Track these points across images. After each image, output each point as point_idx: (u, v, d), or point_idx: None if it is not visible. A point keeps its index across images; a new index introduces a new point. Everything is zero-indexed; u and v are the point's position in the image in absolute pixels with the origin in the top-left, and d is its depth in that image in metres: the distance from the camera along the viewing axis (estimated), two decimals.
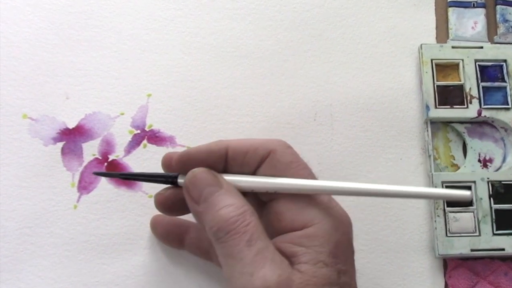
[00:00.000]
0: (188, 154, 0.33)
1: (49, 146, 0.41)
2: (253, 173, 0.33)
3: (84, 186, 0.40)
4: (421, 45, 0.45)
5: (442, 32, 0.47)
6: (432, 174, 0.42)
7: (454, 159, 0.44)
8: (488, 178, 0.42)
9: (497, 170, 0.43)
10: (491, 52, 0.45)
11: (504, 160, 0.44)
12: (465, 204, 0.42)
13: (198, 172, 0.32)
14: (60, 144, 0.41)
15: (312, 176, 0.32)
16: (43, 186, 0.40)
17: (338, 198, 0.33)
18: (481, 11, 0.47)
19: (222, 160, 0.33)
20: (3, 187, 0.40)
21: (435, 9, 0.47)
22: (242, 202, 0.31)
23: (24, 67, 0.42)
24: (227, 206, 0.30)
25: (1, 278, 0.38)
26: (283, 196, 0.32)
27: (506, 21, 0.47)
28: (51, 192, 0.40)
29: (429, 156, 0.43)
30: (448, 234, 0.41)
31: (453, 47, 0.45)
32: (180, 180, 0.33)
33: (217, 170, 0.33)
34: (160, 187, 0.35)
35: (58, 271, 0.39)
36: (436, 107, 0.43)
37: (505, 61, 0.45)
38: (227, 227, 0.29)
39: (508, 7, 0.47)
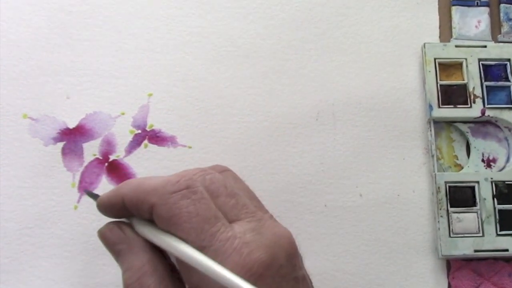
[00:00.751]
0: (101, 208, 0.33)
1: (49, 146, 0.41)
2: None
3: (84, 187, 0.40)
4: (424, 44, 0.45)
5: (446, 31, 0.46)
6: (435, 174, 0.42)
7: (458, 159, 0.44)
8: (491, 178, 0.42)
9: (500, 170, 0.43)
10: (495, 51, 0.45)
11: (508, 160, 0.44)
12: (469, 204, 0.42)
13: (103, 230, 0.32)
14: (60, 144, 0.41)
15: (196, 220, 0.29)
16: (43, 187, 0.40)
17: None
18: (485, 10, 0.46)
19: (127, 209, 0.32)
20: (3, 187, 0.40)
21: (438, 7, 0.47)
22: (142, 261, 0.30)
23: (24, 66, 0.42)
24: (127, 270, 0.30)
25: (1, 279, 0.38)
26: None
27: (510, 19, 0.47)
28: (52, 192, 0.40)
29: (432, 156, 0.43)
30: (452, 235, 0.41)
31: (456, 46, 0.45)
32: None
33: (129, 214, 0.32)
34: None
35: (59, 272, 0.39)
36: (439, 107, 0.43)
37: (509, 60, 0.45)
38: None
39: None
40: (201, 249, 0.28)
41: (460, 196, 0.42)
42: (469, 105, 0.43)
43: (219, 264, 0.27)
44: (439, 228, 0.41)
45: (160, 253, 0.31)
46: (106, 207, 0.32)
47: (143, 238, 0.31)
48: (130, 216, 0.32)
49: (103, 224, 0.33)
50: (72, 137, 0.41)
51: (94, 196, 0.34)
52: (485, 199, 0.42)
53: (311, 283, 0.32)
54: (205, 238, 0.28)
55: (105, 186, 0.40)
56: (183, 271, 0.30)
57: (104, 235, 0.32)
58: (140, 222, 0.31)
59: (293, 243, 0.30)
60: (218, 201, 0.30)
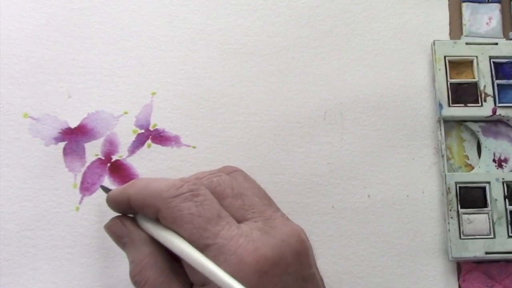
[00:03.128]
0: (110, 204, 0.35)
1: (50, 146, 0.40)
2: None
3: (86, 187, 0.40)
4: (434, 41, 0.44)
5: (456, 28, 0.46)
6: (445, 174, 0.42)
7: (468, 159, 0.43)
8: (503, 179, 0.42)
9: None
10: (507, 49, 0.44)
11: None
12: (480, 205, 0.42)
13: (108, 225, 0.35)
14: (62, 144, 0.41)
15: (198, 221, 0.30)
16: (44, 188, 0.40)
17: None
18: (496, 6, 0.46)
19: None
20: (3, 188, 0.39)
21: (449, 4, 0.46)
22: (143, 254, 0.32)
23: (24, 64, 0.42)
24: (131, 263, 0.32)
25: (1, 282, 0.38)
26: None
27: None
28: (53, 193, 0.40)
29: (442, 156, 0.42)
30: (462, 237, 0.41)
31: (467, 44, 0.44)
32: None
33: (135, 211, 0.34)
34: None
35: (60, 275, 0.39)
36: (449, 106, 0.43)
37: None
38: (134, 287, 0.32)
39: None
40: (206, 247, 0.29)
41: (471, 197, 0.42)
42: (480, 104, 0.43)
43: (219, 264, 0.28)
44: (449, 230, 0.41)
45: (161, 246, 0.32)
46: (113, 203, 0.35)
47: (144, 232, 0.33)
48: (135, 212, 0.34)
49: (105, 222, 0.35)
50: (74, 137, 0.41)
51: (107, 191, 0.36)
52: (496, 200, 0.41)
53: (323, 282, 0.32)
54: (209, 236, 0.29)
55: (107, 187, 0.40)
56: (188, 268, 0.31)
57: (109, 229, 0.35)
58: (144, 219, 0.33)
59: (302, 241, 0.31)
60: (224, 203, 0.32)
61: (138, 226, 0.34)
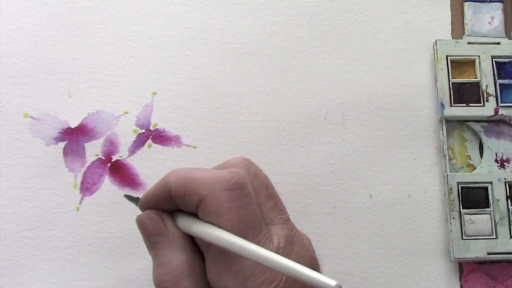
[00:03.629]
0: (145, 200, 0.32)
1: (50, 146, 0.40)
2: None
3: (87, 188, 0.40)
4: (435, 41, 0.44)
5: (458, 27, 0.46)
6: (447, 174, 0.42)
7: (470, 159, 0.43)
8: (505, 179, 0.42)
9: None
10: (509, 48, 0.44)
11: None
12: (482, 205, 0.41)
13: (143, 218, 0.31)
14: (62, 144, 0.41)
15: (243, 226, 0.28)
16: (45, 188, 0.40)
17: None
18: (498, 6, 0.46)
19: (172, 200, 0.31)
20: (3, 188, 0.39)
21: (451, 3, 0.46)
22: (180, 260, 0.29)
23: (25, 64, 0.42)
24: (162, 266, 0.29)
25: (1, 282, 0.38)
26: (213, 248, 0.29)
27: None
28: (53, 193, 0.40)
29: (444, 156, 0.42)
30: (464, 237, 0.41)
31: (469, 43, 0.44)
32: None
33: (173, 208, 0.31)
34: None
35: (60, 275, 0.38)
36: (451, 105, 0.43)
37: None
38: None
39: None
40: None
41: (473, 197, 0.42)
42: (482, 104, 0.43)
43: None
44: (451, 230, 0.41)
45: (198, 254, 0.30)
46: (151, 199, 0.31)
47: (184, 235, 0.30)
48: (173, 209, 0.31)
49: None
50: (74, 137, 0.41)
51: (135, 200, 0.34)
52: (498, 200, 0.41)
53: None
54: None
55: (107, 187, 0.40)
56: (212, 274, 0.29)
57: (143, 223, 0.31)
58: (183, 215, 0.30)
59: (314, 258, 0.30)
60: (258, 200, 0.30)
61: (177, 227, 0.31)
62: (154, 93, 0.42)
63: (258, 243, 0.28)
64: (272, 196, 0.31)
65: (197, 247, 0.30)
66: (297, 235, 0.30)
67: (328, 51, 0.44)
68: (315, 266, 0.30)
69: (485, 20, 0.45)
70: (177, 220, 0.31)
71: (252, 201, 0.29)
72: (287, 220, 0.31)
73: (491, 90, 0.43)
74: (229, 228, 0.28)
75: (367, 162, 0.42)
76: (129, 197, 0.35)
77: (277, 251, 0.28)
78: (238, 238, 0.27)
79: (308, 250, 0.30)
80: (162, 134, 0.41)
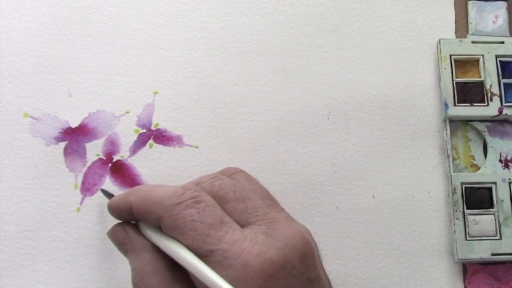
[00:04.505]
0: (111, 210, 0.35)
1: (51, 146, 0.40)
2: None
3: (87, 188, 0.40)
4: (439, 40, 0.44)
5: (462, 26, 0.46)
6: (451, 175, 0.41)
7: (474, 159, 0.43)
8: (509, 179, 0.42)
9: None
10: None
11: None
12: (486, 205, 0.41)
13: (110, 232, 0.35)
14: (62, 144, 0.40)
15: (201, 227, 0.30)
16: (45, 188, 0.39)
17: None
18: (503, 5, 0.45)
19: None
20: (3, 188, 0.39)
21: (454, 2, 0.46)
22: (144, 261, 0.32)
23: (25, 63, 0.41)
24: (132, 270, 0.32)
25: (1, 283, 0.38)
26: None
27: None
28: (53, 194, 0.39)
29: (448, 156, 0.42)
30: (468, 238, 0.40)
31: (473, 42, 0.44)
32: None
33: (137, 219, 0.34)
34: None
35: (60, 276, 0.38)
36: (455, 105, 0.43)
37: None
38: None
39: None
40: (210, 252, 0.29)
41: (477, 198, 0.41)
42: (486, 103, 0.43)
43: (223, 269, 0.29)
44: (455, 231, 0.40)
45: (162, 253, 0.32)
46: (115, 211, 0.35)
47: (145, 239, 0.33)
48: (137, 220, 0.34)
49: (108, 226, 0.35)
50: (75, 137, 0.41)
51: (109, 196, 0.37)
52: (502, 200, 0.41)
53: (329, 283, 0.32)
54: (213, 242, 0.29)
55: (108, 187, 0.40)
56: (193, 276, 0.31)
57: (112, 236, 0.35)
58: (146, 226, 0.33)
59: (307, 243, 0.31)
60: (227, 207, 0.32)
61: (140, 233, 0.34)
62: (156, 93, 0.42)
63: (224, 235, 0.29)
64: (240, 199, 0.32)
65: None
66: (279, 226, 0.31)
67: (331, 50, 0.44)
68: (305, 251, 0.30)
69: (489, 19, 0.45)
70: (142, 229, 0.34)
71: (208, 205, 0.31)
72: (263, 215, 0.31)
73: (495, 89, 0.43)
74: (187, 235, 0.30)
75: (370, 162, 0.42)
76: (105, 192, 0.38)
77: (252, 241, 0.29)
78: (187, 254, 0.30)
79: (296, 236, 0.31)
80: (163, 134, 0.41)
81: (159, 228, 0.32)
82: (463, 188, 0.41)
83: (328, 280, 0.32)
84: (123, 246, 0.34)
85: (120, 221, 0.35)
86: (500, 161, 0.43)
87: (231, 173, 0.35)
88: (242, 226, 0.31)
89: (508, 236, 0.40)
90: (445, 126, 0.43)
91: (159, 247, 0.32)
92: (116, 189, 0.40)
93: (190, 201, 0.31)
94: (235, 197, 0.32)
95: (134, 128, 0.41)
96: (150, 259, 0.32)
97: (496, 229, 0.41)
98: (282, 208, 0.34)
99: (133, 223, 0.35)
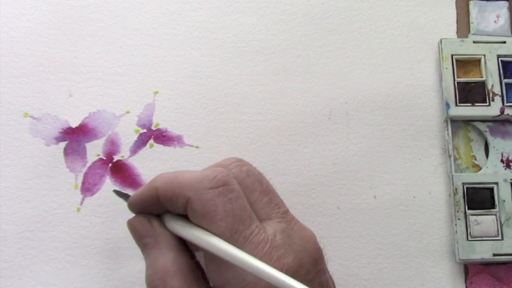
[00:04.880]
0: (133, 203, 0.33)
1: (51, 146, 0.40)
2: None
3: (88, 188, 0.40)
4: (441, 39, 0.44)
5: (463, 26, 0.46)
6: (452, 175, 0.41)
7: (476, 160, 0.43)
8: (511, 179, 0.41)
9: None
10: None
11: None
12: (487, 206, 0.41)
13: (132, 222, 0.33)
14: (62, 144, 0.40)
15: (231, 219, 0.29)
16: (45, 188, 0.39)
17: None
18: (504, 4, 0.45)
19: (160, 203, 0.32)
20: (3, 189, 0.39)
21: (456, 2, 0.46)
22: (166, 259, 0.30)
23: (25, 63, 0.41)
24: (150, 266, 0.31)
25: (1, 284, 0.37)
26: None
27: None
28: (53, 194, 0.39)
29: (449, 156, 0.42)
30: (469, 238, 0.40)
31: (474, 42, 0.44)
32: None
33: (162, 210, 0.32)
34: None
35: (61, 277, 0.38)
36: (456, 105, 0.42)
37: None
38: None
39: None
40: None
41: (478, 198, 0.41)
42: (487, 103, 0.43)
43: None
44: (456, 231, 0.40)
45: (186, 253, 0.31)
46: (139, 202, 0.32)
47: (171, 235, 0.31)
48: (161, 213, 0.32)
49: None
50: (75, 137, 0.40)
51: (124, 196, 0.35)
52: (504, 201, 0.41)
53: (334, 285, 0.32)
54: (238, 239, 0.28)
55: (109, 187, 0.40)
56: (210, 270, 0.30)
57: (133, 226, 0.32)
58: (172, 217, 0.31)
59: (318, 248, 0.30)
60: (252, 196, 0.30)
61: (166, 228, 0.32)
62: (156, 93, 0.42)
63: (250, 234, 0.28)
64: (266, 191, 0.31)
65: (186, 246, 0.31)
66: (296, 227, 0.30)
67: (332, 50, 0.44)
68: (317, 257, 0.30)
69: (491, 18, 0.45)
70: (166, 222, 0.32)
71: (239, 195, 0.29)
72: (284, 214, 0.31)
73: (497, 89, 0.43)
74: (217, 224, 0.28)
75: (372, 162, 0.42)
76: (119, 193, 0.36)
77: (272, 243, 0.28)
78: (223, 242, 0.28)
79: (310, 241, 0.30)
80: (164, 134, 0.41)
81: (186, 219, 0.30)
82: (465, 188, 0.41)
83: (333, 282, 0.32)
84: (143, 239, 0.32)
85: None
86: (502, 161, 0.42)
87: (245, 164, 0.33)
88: (262, 219, 0.30)
89: (510, 237, 0.40)
90: (447, 126, 0.43)
91: (186, 239, 0.31)
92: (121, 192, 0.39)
93: (223, 188, 0.29)
94: (262, 188, 0.31)
95: (134, 128, 0.41)
96: (174, 258, 0.30)
97: (497, 229, 0.41)
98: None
99: (155, 216, 0.33)
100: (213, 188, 0.29)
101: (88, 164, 0.40)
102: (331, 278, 0.32)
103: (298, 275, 0.28)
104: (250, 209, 0.30)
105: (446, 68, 0.43)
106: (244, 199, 0.30)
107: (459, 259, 0.40)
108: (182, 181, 0.30)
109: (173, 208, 0.31)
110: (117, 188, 0.40)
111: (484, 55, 0.43)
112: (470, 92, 0.43)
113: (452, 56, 0.43)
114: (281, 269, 0.28)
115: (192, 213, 0.29)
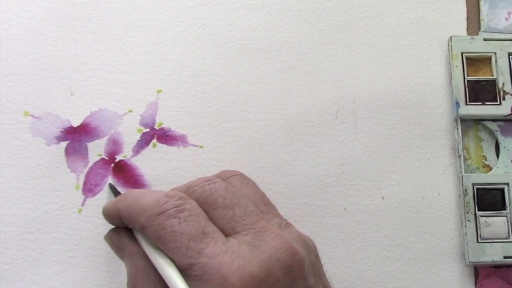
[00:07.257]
0: (105, 215, 0.35)
1: (52, 146, 0.40)
2: None
3: (89, 189, 0.40)
4: (450, 37, 0.44)
5: (473, 23, 0.45)
6: (462, 175, 0.41)
7: (486, 160, 0.43)
8: None
9: None
10: None
11: None
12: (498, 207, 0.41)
13: (107, 236, 0.35)
14: (64, 144, 0.40)
15: (181, 245, 0.30)
16: (46, 189, 0.39)
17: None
18: None
19: None
20: (3, 189, 0.39)
21: None
22: (136, 268, 0.32)
23: (25, 61, 0.41)
24: (127, 275, 0.32)
25: (2, 286, 0.37)
26: None
27: None
28: (54, 195, 0.39)
29: (459, 156, 0.42)
30: (480, 240, 0.40)
31: (485, 40, 0.44)
32: None
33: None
34: None
35: (62, 279, 0.38)
36: (466, 104, 0.42)
37: None
38: None
39: None
40: (189, 266, 0.29)
41: (489, 199, 0.41)
42: (498, 102, 0.42)
43: (202, 283, 0.28)
44: (466, 233, 0.40)
45: None
46: (107, 217, 0.35)
47: (138, 245, 0.33)
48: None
49: (108, 228, 0.35)
50: (76, 136, 0.40)
51: (115, 192, 0.38)
52: None
53: None
54: (192, 255, 0.29)
55: (114, 185, 0.40)
56: None
57: (108, 240, 0.35)
58: (138, 232, 0.33)
59: (294, 254, 0.30)
60: (215, 214, 0.31)
61: (134, 238, 0.33)
62: (159, 91, 0.42)
63: (203, 248, 0.29)
64: (230, 205, 0.31)
65: None
66: (266, 236, 0.30)
67: (339, 48, 0.44)
68: (291, 264, 0.29)
69: (502, 16, 0.45)
70: (135, 234, 0.34)
71: (191, 214, 0.30)
72: (252, 225, 0.31)
73: (508, 88, 0.43)
74: (167, 246, 0.30)
75: (380, 162, 0.42)
76: (113, 188, 0.39)
77: (234, 254, 0.29)
78: (170, 268, 0.30)
79: (282, 248, 0.30)
80: (167, 133, 0.41)
81: None
82: (475, 189, 0.41)
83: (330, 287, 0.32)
84: (119, 251, 0.34)
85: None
86: None
87: (227, 176, 0.35)
88: (228, 234, 0.30)
89: None
90: (456, 125, 0.42)
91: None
92: (119, 190, 0.40)
93: (173, 210, 0.30)
94: (224, 203, 0.31)
95: (137, 127, 0.41)
96: (143, 265, 0.32)
97: (508, 231, 0.40)
98: (277, 214, 0.33)
99: (129, 228, 0.35)
100: (161, 213, 0.30)
101: (90, 164, 0.40)
102: (323, 282, 0.32)
103: (265, 284, 0.28)
104: (204, 225, 0.30)
105: (456, 66, 0.43)
106: (198, 216, 0.30)
107: (469, 262, 0.40)
108: (138, 207, 0.31)
109: (135, 230, 0.33)
110: (120, 189, 0.40)
111: (495, 53, 0.43)
112: (480, 91, 0.43)
113: (462, 54, 0.43)
114: (242, 280, 0.28)
115: (148, 237, 0.31)
